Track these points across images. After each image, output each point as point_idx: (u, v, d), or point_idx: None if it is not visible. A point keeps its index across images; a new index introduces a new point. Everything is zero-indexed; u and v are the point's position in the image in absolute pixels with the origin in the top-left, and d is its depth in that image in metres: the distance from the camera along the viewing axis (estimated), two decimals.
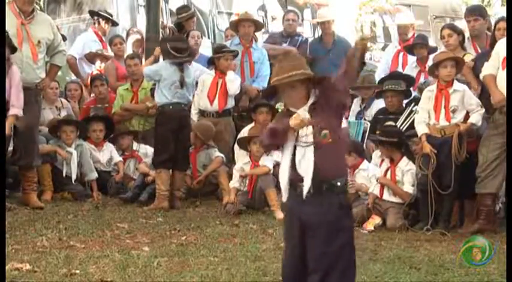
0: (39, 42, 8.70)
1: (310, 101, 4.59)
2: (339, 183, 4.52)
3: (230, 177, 9.35)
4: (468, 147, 8.29)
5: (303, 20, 13.98)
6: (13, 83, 8.20)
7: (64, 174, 9.38)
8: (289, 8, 13.95)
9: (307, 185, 4.49)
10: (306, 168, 4.49)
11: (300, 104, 4.61)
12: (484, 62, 8.41)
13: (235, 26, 11.01)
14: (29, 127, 8.56)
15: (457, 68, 8.34)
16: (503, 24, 8.58)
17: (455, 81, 8.33)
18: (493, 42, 8.65)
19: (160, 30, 11.22)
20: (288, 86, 4.62)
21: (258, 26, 11.04)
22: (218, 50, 10.26)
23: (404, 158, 8.55)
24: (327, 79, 4.61)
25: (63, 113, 10.25)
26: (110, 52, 11.60)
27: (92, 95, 11.17)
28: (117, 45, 11.34)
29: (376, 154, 8.99)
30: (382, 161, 8.69)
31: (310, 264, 4.53)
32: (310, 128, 4.55)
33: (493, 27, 8.83)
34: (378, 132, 8.98)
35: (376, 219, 8.32)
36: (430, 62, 9.22)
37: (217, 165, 9.55)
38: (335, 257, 4.48)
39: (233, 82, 9.95)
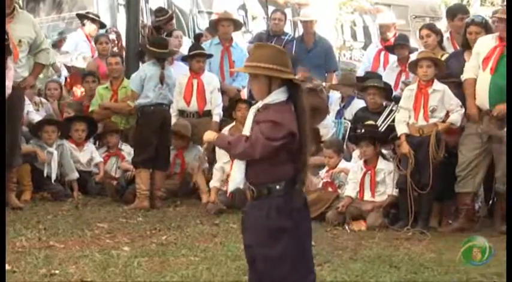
0: (20, 41, 8.60)
1: (268, 100, 4.41)
2: (278, 187, 4.41)
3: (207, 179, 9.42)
4: None
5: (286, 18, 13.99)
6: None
7: (45, 175, 9.34)
8: (270, 7, 13.95)
9: (232, 183, 4.55)
10: (237, 168, 4.52)
11: (259, 96, 4.49)
12: (456, 62, 8.49)
13: (214, 25, 10.99)
14: (10, 127, 8.49)
15: (437, 69, 8.37)
16: (474, 28, 8.61)
17: (435, 81, 8.36)
18: (466, 43, 8.71)
19: (141, 30, 11.19)
20: (251, 74, 4.55)
21: (237, 25, 11.01)
22: (190, 50, 10.23)
23: (383, 160, 8.59)
24: (299, 87, 4.47)
25: (42, 112, 10.20)
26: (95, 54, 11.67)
27: (73, 91, 11.11)
28: (102, 44, 11.33)
29: (356, 153, 9.01)
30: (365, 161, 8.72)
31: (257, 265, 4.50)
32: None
33: (463, 30, 8.87)
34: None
35: (361, 226, 8.31)
36: None
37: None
38: (277, 260, 4.40)
39: (209, 83, 9.93)
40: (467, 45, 8.68)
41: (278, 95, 4.43)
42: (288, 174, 4.43)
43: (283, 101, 4.43)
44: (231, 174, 4.64)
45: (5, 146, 8.00)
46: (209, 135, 4.65)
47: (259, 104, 4.47)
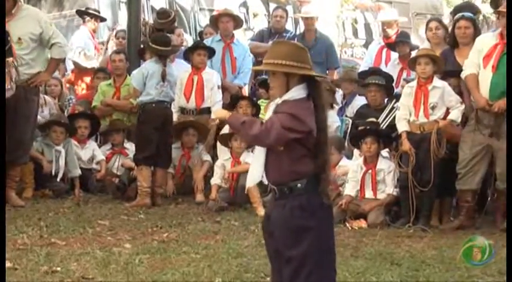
0: (20, 39, 8.48)
1: (287, 96, 4.33)
2: (299, 185, 4.33)
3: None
4: None
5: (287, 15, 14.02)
6: None
7: (53, 173, 9.34)
8: (271, 4, 13.97)
9: (251, 178, 4.45)
10: (256, 164, 4.42)
11: (277, 93, 4.40)
12: (449, 59, 8.52)
13: (214, 22, 10.98)
14: (15, 125, 8.47)
15: (436, 66, 8.37)
16: (463, 23, 8.67)
17: (435, 78, 8.36)
18: (453, 40, 8.75)
19: (142, 27, 11.18)
20: (268, 72, 4.48)
21: (237, 21, 10.97)
22: (192, 46, 10.22)
23: (385, 160, 8.58)
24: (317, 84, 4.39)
25: (45, 110, 10.18)
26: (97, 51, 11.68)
27: (75, 89, 11.09)
28: (119, 39, 11.35)
29: (358, 151, 9.00)
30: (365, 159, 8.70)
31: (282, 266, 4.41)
32: None
33: (452, 25, 8.91)
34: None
35: (362, 224, 8.31)
36: None
37: (206, 170, 9.59)
38: (301, 260, 4.31)
39: (208, 80, 9.89)
40: (455, 43, 8.73)
41: (297, 92, 4.35)
42: (309, 172, 4.34)
43: (304, 98, 4.36)
44: (250, 169, 4.53)
45: (5, 144, 7.93)
46: (221, 113, 4.54)
47: (279, 101, 4.38)
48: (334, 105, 9.99)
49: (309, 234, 4.32)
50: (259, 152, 4.42)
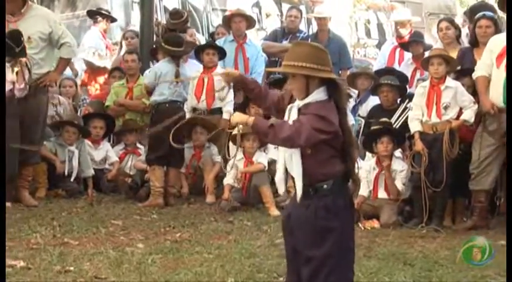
0: (29, 38, 8.48)
1: (310, 99, 4.31)
2: (325, 186, 4.30)
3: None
4: None
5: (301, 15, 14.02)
6: None
7: (67, 173, 9.37)
8: (283, 4, 13.96)
9: (299, 188, 4.31)
10: (296, 172, 4.32)
11: (297, 95, 4.37)
12: (467, 58, 8.49)
13: (227, 22, 10.98)
14: (26, 124, 8.49)
15: (449, 66, 8.35)
16: (484, 22, 8.65)
17: (448, 78, 8.34)
18: (474, 40, 8.74)
19: (154, 27, 11.19)
20: (288, 73, 4.43)
21: (250, 21, 10.95)
22: (200, 45, 10.22)
23: (398, 160, 8.57)
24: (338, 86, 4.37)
25: (60, 110, 10.20)
26: (109, 51, 11.73)
27: (88, 89, 11.10)
28: (128, 39, 11.38)
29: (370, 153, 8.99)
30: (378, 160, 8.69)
31: (301, 266, 4.39)
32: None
33: (473, 24, 8.89)
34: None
35: (375, 224, 8.30)
36: None
37: (217, 170, 9.58)
38: (322, 260, 4.29)
39: (219, 80, 9.84)
40: (475, 43, 8.71)
41: (319, 94, 4.32)
42: (337, 173, 4.32)
43: (326, 99, 4.32)
44: (295, 175, 4.37)
45: (5, 143, 7.92)
46: (240, 117, 4.44)
47: (300, 103, 4.34)
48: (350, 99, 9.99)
49: (332, 235, 4.30)
50: (295, 156, 4.32)
